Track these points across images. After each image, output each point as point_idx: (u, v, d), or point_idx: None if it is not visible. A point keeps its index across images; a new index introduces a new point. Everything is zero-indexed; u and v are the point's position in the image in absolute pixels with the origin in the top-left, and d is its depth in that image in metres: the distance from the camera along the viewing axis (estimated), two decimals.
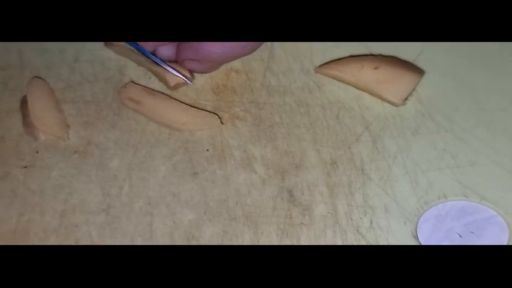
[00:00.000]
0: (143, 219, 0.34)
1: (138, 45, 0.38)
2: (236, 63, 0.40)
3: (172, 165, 0.36)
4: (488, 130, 0.37)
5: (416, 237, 0.34)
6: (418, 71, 0.38)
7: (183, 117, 0.37)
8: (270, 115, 0.38)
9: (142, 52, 0.38)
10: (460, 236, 0.34)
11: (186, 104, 0.38)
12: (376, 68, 0.38)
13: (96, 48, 0.41)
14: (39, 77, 0.40)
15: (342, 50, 0.40)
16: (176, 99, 0.39)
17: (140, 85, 0.39)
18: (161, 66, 0.38)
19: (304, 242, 0.33)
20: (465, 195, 0.35)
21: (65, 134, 0.37)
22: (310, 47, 0.41)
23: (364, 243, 0.33)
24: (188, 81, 0.39)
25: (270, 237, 0.34)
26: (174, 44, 0.37)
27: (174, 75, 0.38)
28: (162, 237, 0.34)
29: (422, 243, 0.33)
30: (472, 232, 0.34)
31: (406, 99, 0.38)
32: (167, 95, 0.39)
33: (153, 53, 0.38)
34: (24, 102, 0.38)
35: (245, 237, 0.34)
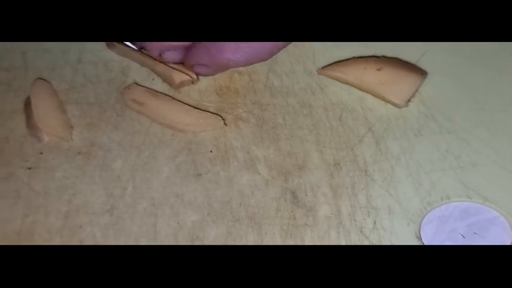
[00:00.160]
0: (147, 220, 0.34)
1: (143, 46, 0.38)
2: None
3: (175, 166, 0.36)
4: (489, 130, 0.37)
5: (419, 238, 0.34)
6: (421, 73, 0.39)
7: (187, 118, 0.38)
8: (273, 116, 0.38)
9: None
10: (463, 236, 0.34)
11: (189, 106, 0.38)
12: (379, 70, 0.38)
13: (98, 50, 0.41)
14: (43, 79, 0.40)
15: (345, 52, 0.40)
16: (179, 101, 0.39)
17: (143, 86, 0.39)
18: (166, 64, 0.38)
19: (308, 243, 0.33)
20: (468, 196, 0.35)
21: (69, 135, 0.37)
22: (312, 49, 0.41)
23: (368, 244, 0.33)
24: (193, 81, 0.39)
25: (274, 238, 0.34)
26: (182, 48, 0.37)
27: (180, 72, 0.38)
28: (166, 238, 0.34)
29: (426, 244, 0.33)
30: (475, 233, 0.34)
31: (409, 100, 0.38)
32: (170, 96, 0.39)
33: (159, 57, 0.38)
34: (27, 104, 0.38)
35: (249, 239, 0.34)
